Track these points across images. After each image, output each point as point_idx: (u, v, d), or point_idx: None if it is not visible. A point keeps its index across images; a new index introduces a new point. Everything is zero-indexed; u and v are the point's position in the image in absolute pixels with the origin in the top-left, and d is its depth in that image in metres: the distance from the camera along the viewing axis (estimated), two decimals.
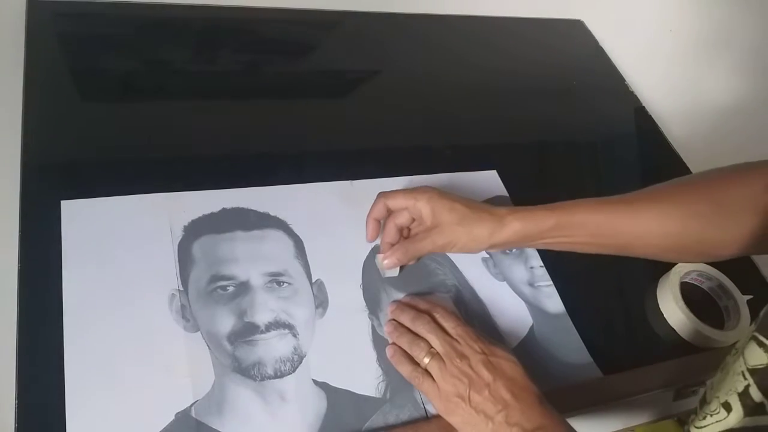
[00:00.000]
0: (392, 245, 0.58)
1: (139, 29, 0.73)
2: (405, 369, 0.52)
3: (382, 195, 0.58)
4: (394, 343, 0.54)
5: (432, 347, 0.51)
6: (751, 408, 0.39)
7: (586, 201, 0.54)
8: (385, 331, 0.55)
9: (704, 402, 0.46)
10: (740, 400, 0.40)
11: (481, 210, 0.55)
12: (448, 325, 0.52)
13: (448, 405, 0.49)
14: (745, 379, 0.40)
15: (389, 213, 0.58)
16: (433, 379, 0.50)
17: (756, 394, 0.39)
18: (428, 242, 0.55)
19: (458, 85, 0.84)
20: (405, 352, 0.53)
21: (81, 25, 0.72)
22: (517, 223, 0.54)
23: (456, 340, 0.51)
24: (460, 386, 0.48)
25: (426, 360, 0.51)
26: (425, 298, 0.57)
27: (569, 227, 0.54)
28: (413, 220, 0.58)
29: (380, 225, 0.59)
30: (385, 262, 0.57)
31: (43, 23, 0.68)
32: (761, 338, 0.39)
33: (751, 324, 0.45)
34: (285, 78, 0.78)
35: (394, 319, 0.55)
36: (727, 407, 0.41)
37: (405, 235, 0.59)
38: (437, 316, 0.53)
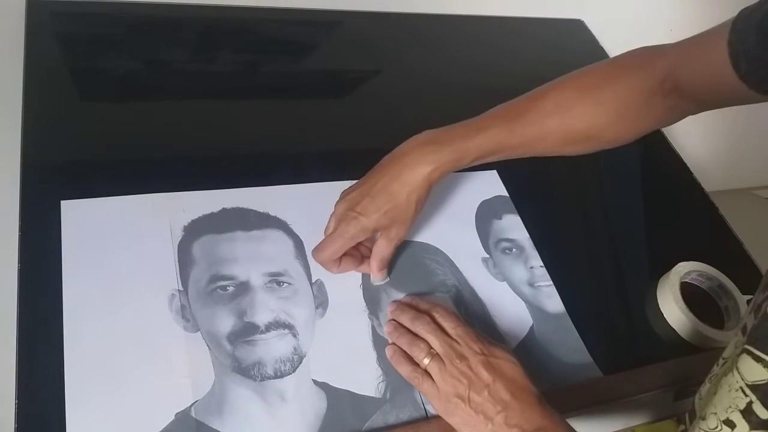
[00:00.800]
0: (356, 262, 0.58)
1: (139, 29, 0.73)
2: (404, 369, 0.52)
3: (318, 258, 0.57)
4: (393, 344, 0.54)
5: (432, 348, 0.51)
6: (757, 424, 0.39)
7: (496, 126, 0.55)
8: (385, 331, 0.55)
9: (695, 416, 0.45)
10: (744, 417, 0.39)
11: (399, 194, 0.54)
12: (448, 325, 0.52)
13: (448, 405, 0.49)
14: (746, 395, 0.39)
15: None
16: (433, 379, 0.50)
17: (762, 411, 0.38)
18: (385, 241, 0.56)
19: (458, 84, 0.84)
20: (405, 352, 0.53)
21: (81, 25, 0.72)
22: (437, 175, 0.55)
23: (456, 341, 0.51)
24: (460, 387, 0.48)
25: (426, 361, 0.51)
26: (425, 299, 0.57)
27: (484, 158, 0.56)
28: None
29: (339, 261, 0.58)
30: (376, 279, 0.58)
31: (43, 23, 0.68)
32: (756, 352, 0.39)
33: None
34: (285, 78, 0.78)
35: (393, 320, 0.55)
36: (730, 424, 0.40)
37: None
38: (437, 316, 0.53)
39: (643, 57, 0.54)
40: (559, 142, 0.56)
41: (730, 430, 0.40)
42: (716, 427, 0.42)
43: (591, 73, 0.57)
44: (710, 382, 0.45)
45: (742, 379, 0.39)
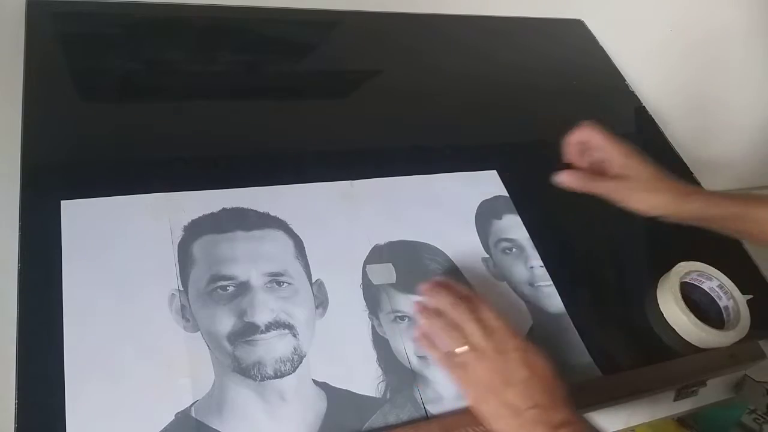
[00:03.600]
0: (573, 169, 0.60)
1: (139, 29, 0.73)
2: (437, 353, 0.52)
3: (584, 129, 0.60)
4: (422, 326, 0.54)
5: (468, 336, 0.51)
6: None
7: None
8: (415, 309, 0.55)
9: None
10: None
11: (668, 179, 0.57)
12: (487, 316, 0.52)
13: (480, 395, 0.49)
14: None
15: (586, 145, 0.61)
16: (466, 368, 0.50)
17: None
18: (606, 186, 0.58)
19: (458, 84, 0.84)
20: (433, 336, 0.52)
21: (81, 25, 0.72)
22: (700, 203, 0.57)
23: (493, 333, 0.50)
24: (495, 380, 0.48)
25: (462, 348, 0.50)
26: (460, 284, 0.56)
27: (748, 221, 0.57)
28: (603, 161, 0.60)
29: (578, 150, 0.62)
30: (563, 177, 0.60)
31: (43, 23, 0.68)
32: None
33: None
34: (285, 78, 0.78)
35: (424, 301, 0.55)
36: None
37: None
38: (476, 305, 0.52)
39: None
40: None
41: None
42: None
43: None
44: None
45: None
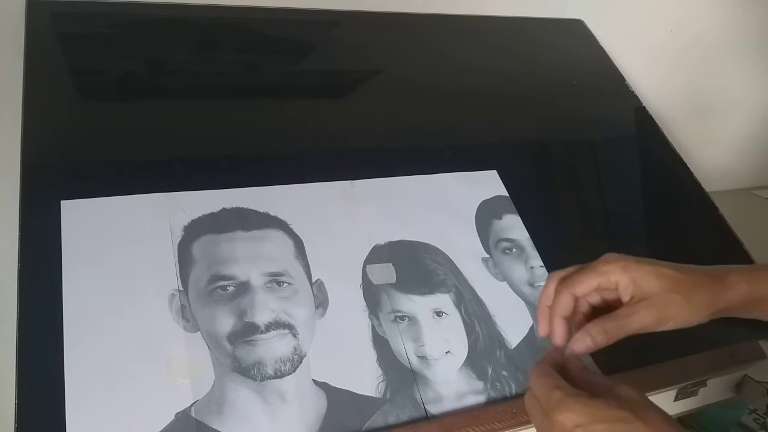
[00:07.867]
0: (576, 321, 0.47)
1: (139, 29, 0.73)
2: None
3: (563, 285, 0.47)
4: None
5: None
6: None
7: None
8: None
9: None
10: None
11: (694, 271, 0.46)
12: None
13: None
14: None
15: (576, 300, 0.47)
16: None
17: None
18: (635, 319, 0.45)
19: (458, 84, 0.84)
20: None
21: (81, 25, 0.72)
22: (744, 285, 0.46)
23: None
24: None
25: None
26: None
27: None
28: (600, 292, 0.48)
29: (568, 323, 0.48)
30: (576, 345, 0.45)
31: (43, 23, 0.68)
32: None
33: None
34: (285, 78, 0.78)
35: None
36: None
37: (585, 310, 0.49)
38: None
39: None
40: None
41: None
42: None
43: None
44: None
45: None
